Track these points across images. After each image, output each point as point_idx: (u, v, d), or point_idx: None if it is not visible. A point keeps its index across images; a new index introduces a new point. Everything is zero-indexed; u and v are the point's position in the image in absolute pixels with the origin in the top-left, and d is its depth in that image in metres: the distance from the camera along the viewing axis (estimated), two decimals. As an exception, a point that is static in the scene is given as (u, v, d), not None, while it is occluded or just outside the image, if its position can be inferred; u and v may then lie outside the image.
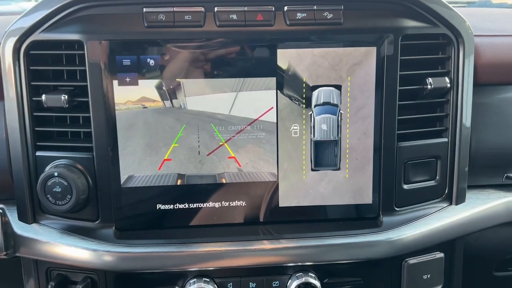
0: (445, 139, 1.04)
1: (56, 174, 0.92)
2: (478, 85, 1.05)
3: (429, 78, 0.99)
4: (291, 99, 0.96)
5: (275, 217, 1.00)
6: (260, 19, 0.92)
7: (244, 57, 0.94)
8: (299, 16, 0.93)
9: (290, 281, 1.00)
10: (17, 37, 0.91)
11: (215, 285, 0.98)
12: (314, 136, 0.98)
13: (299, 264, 1.00)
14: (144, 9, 0.91)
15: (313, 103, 0.97)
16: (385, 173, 1.00)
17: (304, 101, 0.96)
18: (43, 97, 0.93)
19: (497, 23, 1.32)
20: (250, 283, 1.00)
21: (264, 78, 0.95)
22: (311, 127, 0.97)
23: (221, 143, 0.97)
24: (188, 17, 0.91)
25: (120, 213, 0.97)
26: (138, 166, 0.96)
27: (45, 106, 0.94)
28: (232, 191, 0.99)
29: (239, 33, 0.93)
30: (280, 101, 0.96)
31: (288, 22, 0.93)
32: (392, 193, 1.02)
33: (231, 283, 1.00)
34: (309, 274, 1.00)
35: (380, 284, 1.06)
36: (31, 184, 0.97)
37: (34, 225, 0.99)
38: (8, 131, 0.95)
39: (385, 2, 0.96)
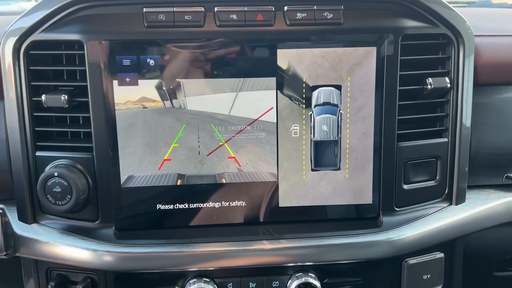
0: (445, 139, 1.04)
1: (56, 174, 0.92)
2: (478, 85, 1.05)
3: (429, 78, 0.99)
4: (291, 99, 0.96)
5: (275, 217, 1.00)
6: (260, 19, 0.92)
7: (244, 57, 0.94)
8: (299, 16, 0.93)
9: (290, 281, 1.00)
10: (17, 37, 0.91)
11: (215, 285, 0.98)
12: (314, 136, 0.98)
13: (299, 264, 1.00)
14: (144, 9, 0.91)
15: (313, 103, 0.97)
16: (385, 173, 1.00)
17: (304, 101, 0.96)
18: (43, 97, 0.93)
19: (497, 23, 1.32)
20: (250, 283, 1.00)
21: (264, 78, 0.94)
22: (311, 127, 0.97)
23: (221, 143, 0.97)
24: (188, 17, 0.91)
25: (120, 213, 0.97)
26: (138, 166, 0.96)
27: (45, 106, 0.94)
28: (232, 191, 0.99)
29: (239, 33, 0.93)
30: (280, 101, 0.96)
31: (288, 22, 0.93)
32: (392, 193, 1.02)
33: (231, 283, 1.00)
34: (309, 274, 1.00)
35: (380, 284, 1.06)
36: (31, 184, 0.97)
37: (34, 225, 0.99)
38: (8, 131, 0.95)
39: (385, 2, 0.96)
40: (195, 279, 0.98)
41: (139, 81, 0.93)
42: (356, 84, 0.96)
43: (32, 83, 0.94)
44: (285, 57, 0.94)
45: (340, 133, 0.98)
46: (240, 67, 0.94)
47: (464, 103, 1.02)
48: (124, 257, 0.95)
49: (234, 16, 0.92)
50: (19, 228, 0.98)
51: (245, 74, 0.94)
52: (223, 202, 0.99)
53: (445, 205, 1.07)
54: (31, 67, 0.94)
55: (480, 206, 1.09)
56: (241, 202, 0.99)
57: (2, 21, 1.11)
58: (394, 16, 0.96)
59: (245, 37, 0.93)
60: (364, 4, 0.95)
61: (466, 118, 1.03)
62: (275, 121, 0.97)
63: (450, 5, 0.98)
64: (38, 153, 0.96)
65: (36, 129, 0.96)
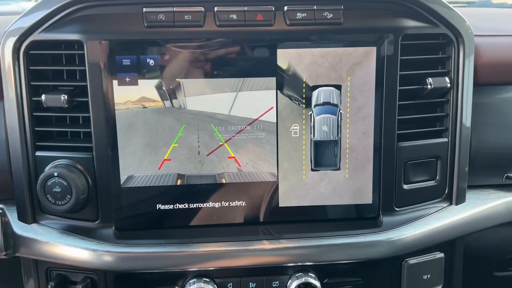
0: (445, 139, 1.04)
1: (56, 174, 0.91)
2: (478, 85, 1.05)
3: (429, 78, 0.99)
4: (291, 99, 0.96)
5: (275, 217, 1.00)
6: (260, 19, 0.92)
7: (244, 57, 0.94)
8: (299, 16, 0.93)
9: (290, 281, 1.00)
10: (16, 37, 0.91)
11: (215, 285, 0.98)
12: (314, 136, 0.98)
13: (299, 264, 1.00)
14: (144, 9, 0.91)
15: (313, 103, 0.97)
16: (385, 173, 1.00)
17: (304, 101, 0.96)
18: (43, 97, 0.93)
19: (497, 23, 1.32)
20: (250, 283, 1.00)
21: (264, 78, 0.94)
22: (311, 127, 0.97)
23: (221, 143, 0.97)
24: (188, 17, 0.91)
25: (120, 213, 0.97)
26: (138, 166, 0.96)
27: (45, 106, 0.94)
28: (232, 191, 0.99)
29: (239, 33, 0.93)
30: (280, 101, 0.96)
31: (288, 22, 0.93)
32: (392, 193, 1.02)
33: (231, 283, 1.00)
34: (309, 274, 1.00)
35: (380, 284, 1.06)
36: (31, 184, 0.96)
37: (34, 225, 0.99)
38: (8, 131, 0.95)
39: (385, 2, 0.96)
40: (195, 279, 0.98)
41: (139, 81, 0.93)
42: (356, 84, 0.96)
43: (32, 83, 0.94)
44: (285, 57, 0.94)
45: (340, 133, 0.98)
46: (240, 67, 0.94)
47: (464, 103, 1.02)
48: (124, 257, 0.95)
49: (234, 16, 0.92)
50: (19, 228, 0.98)
51: (245, 74, 0.94)
52: (223, 202, 0.99)
53: (445, 205, 1.07)
54: (31, 67, 0.94)
55: (480, 206, 1.09)
56: (241, 202, 0.99)
57: (2, 21, 1.11)
58: (394, 16, 0.96)
59: (245, 37, 0.93)
60: (364, 4, 0.95)
61: (466, 118, 1.03)
62: (275, 121, 0.97)
63: (450, 5, 0.98)
64: (38, 153, 0.96)
65: (36, 129, 0.96)
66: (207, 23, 0.92)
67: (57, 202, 0.92)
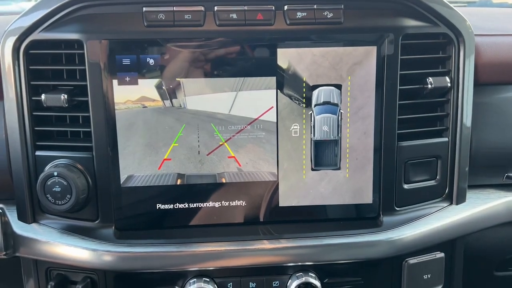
0: (446, 139, 1.04)
1: (55, 173, 0.91)
2: (478, 84, 1.05)
3: (430, 78, 0.99)
4: (291, 99, 0.96)
5: (275, 217, 1.00)
6: (260, 19, 0.92)
7: (244, 57, 0.93)
8: (299, 15, 0.93)
9: (290, 281, 1.00)
10: (16, 37, 0.91)
11: (215, 285, 0.98)
12: (314, 136, 0.98)
13: (299, 264, 1.00)
14: (144, 9, 0.91)
15: (313, 102, 0.96)
16: (385, 173, 1.00)
17: (304, 101, 0.96)
18: (43, 96, 0.93)
19: (498, 23, 1.32)
20: (250, 283, 1.00)
21: (264, 77, 0.94)
22: (311, 126, 0.97)
23: (221, 143, 0.97)
24: (188, 17, 0.91)
25: (120, 213, 0.97)
26: (138, 166, 0.96)
27: (45, 105, 0.94)
28: (232, 190, 0.98)
29: (239, 32, 0.93)
30: (280, 101, 0.96)
31: (288, 22, 0.93)
32: (393, 193, 1.02)
33: (231, 283, 1.00)
34: (309, 274, 1.00)
35: (380, 284, 1.06)
36: (30, 184, 0.96)
37: (33, 225, 0.99)
38: (8, 131, 0.95)
39: (386, 1, 0.96)
40: (195, 279, 0.98)
41: (139, 80, 0.93)
42: (356, 83, 0.96)
43: (32, 83, 0.94)
44: (285, 57, 0.94)
45: (340, 132, 0.98)
46: (240, 66, 0.94)
47: (464, 102, 1.02)
48: (124, 257, 0.95)
49: (234, 16, 0.92)
50: (19, 227, 0.98)
51: (245, 73, 0.94)
52: (223, 202, 0.99)
53: (445, 204, 1.07)
54: (30, 67, 0.94)
55: (481, 205, 1.09)
56: (241, 201, 0.99)
57: (2, 21, 1.11)
58: (394, 15, 0.96)
59: (245, 37, 0.93)
60: (364, 3, 0.95)
61: (467, 117, 1.02)
62: (275, 120, 0.96)
63: (451, 5, 0.98)
64: (37, 153, 0.96)
65: (36, 128, 0.96)
66: (207, 22, 0.92)
67: (57, 201, 0.92)
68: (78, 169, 0.94)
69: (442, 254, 1.06)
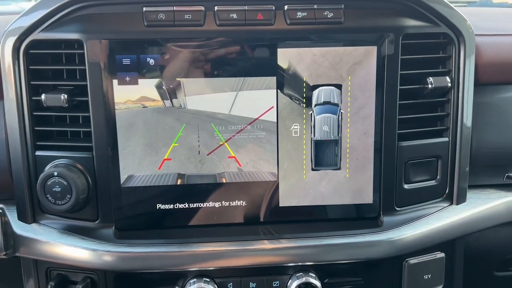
0: (446, 139, 1.04)
1: (55, 173, 0.91)
2: (479, 84, 1.05)
3: (430, 78, 0.99)
4: (292, 99, 0.96)
5: (275, 217, 1.00)
6: (260, 18, 0.92)
7: (244, 57, 0.93)
8: (299, 15, 0.93)
9: (290, 281, 1.00)
10: (16, 36, 0.91)
11: (215, 285, 0.98)
12: (314, 136, 0.98)
13: (300, 264, 1.00)
14: (144, 8, 0.91)
15: (314, 102, 0.96)
16: (385, 173, 1.00)
17: (304, 101, 0.96)
18: (43, 96, 0.93)
19: (498, 23, 1.31)
20: (250, 283, 1.00)
21: (264, 77, 0.94)
22: (311, 126, 0.97)
23: (221, 143, 0.96)
24: (188, 16, 0.91)
25: (120, 213, 0.97)
26: (138, 166, 0.96)
27: (45, 105, 0.94)
28: (232, 190, 0.98)
29: (239, 32, 0.93)
30: (280, 101, 0.96)
31: (288, 21, 0.93)
32: (393, 193, 1.02)
33: (231, 283, 1.00)
34: (310, 274, 1.00)
35: (380, 284, 1.06)
36: (30, 184, 0.96)
37: (33, 225, 0.99)
38: (8, 131, 0.95)
39: (386, 1, 0.96)
40: (195, 279, 0.98)
41: (139, 80, 0.93)
42: (356, 83, 0.96)
43: (32, 83, 0.94)
44: (286, 56, 0.94)
45: (341, 132, 0.98)
46: (240, 66, 0.94)
47: (465, 102, 1.02)
48: (124, 257, 0.95)
49: (234, 15, 0.92)
50: (19, 228, 0.98)
51: (245, 73, 0.94)
52: (223, 202, 0.99)
53: (445, 204, 1.07)
54: (30, 67, 0.94)
55: (481, 206, 1.08)
56: (241, 201, 0.99)
57: (2, 21, 1.11)
58: (394, 15, 0.96)
59: (245, 36, 0.93)
60: (365, 3, 0.95)
61: (467, 117, 1.02)
62: (275, 120, 0.96)
63: (451, 5, 0.98)
64: (37, 153, 0.96)
65: (36, 128, 0.96)
66: (207, 22, 0.92)
67: (57, 201, 0.92)
68: (78, 169, 0.94)
69: (443, 254, 1.06)
